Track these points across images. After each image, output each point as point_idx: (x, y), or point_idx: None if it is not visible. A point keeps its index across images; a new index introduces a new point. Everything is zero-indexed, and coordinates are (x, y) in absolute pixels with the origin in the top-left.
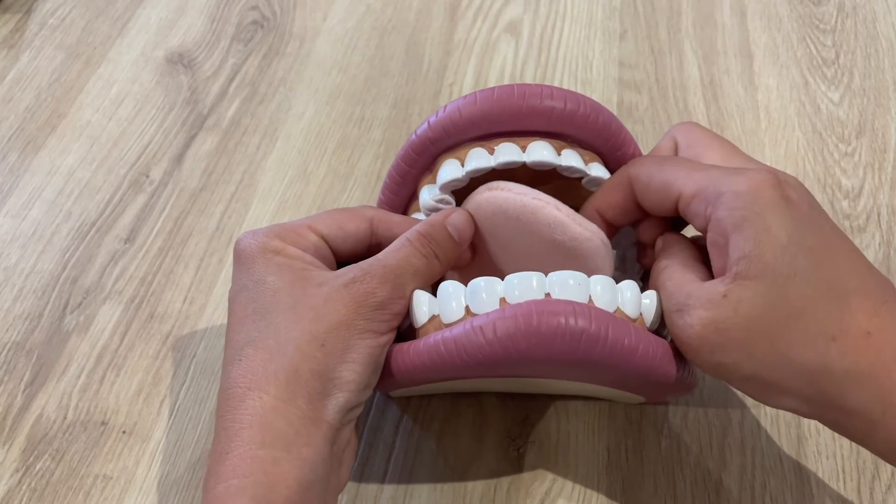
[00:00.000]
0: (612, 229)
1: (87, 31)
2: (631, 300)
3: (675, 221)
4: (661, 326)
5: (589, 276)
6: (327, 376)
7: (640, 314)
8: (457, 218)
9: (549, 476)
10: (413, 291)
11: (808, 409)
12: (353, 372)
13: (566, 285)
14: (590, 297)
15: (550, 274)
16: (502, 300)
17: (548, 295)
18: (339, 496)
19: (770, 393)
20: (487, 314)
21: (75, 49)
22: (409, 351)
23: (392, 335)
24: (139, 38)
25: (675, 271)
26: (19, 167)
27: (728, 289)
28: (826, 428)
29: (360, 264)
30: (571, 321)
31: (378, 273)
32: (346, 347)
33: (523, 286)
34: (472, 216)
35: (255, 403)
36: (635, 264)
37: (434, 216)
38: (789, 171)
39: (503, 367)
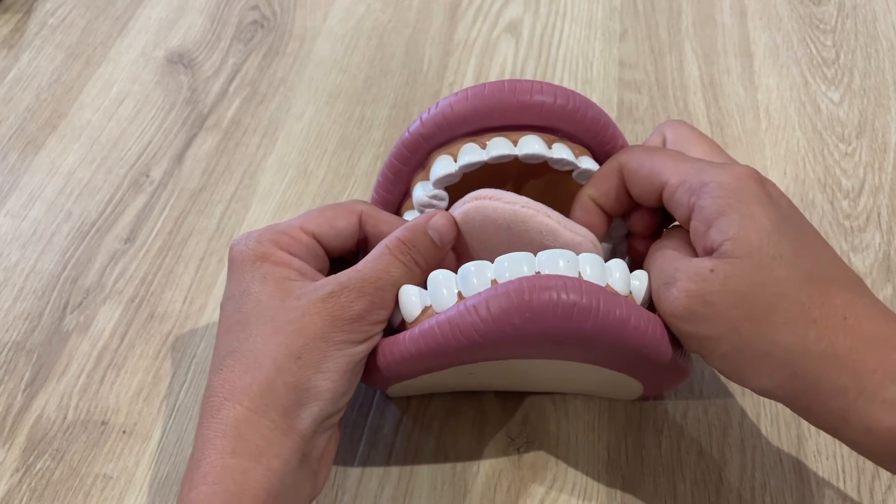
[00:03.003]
0: (607, 219)
1: (88, 31)
2: (620, 279)
3: (665, 212)
4: (651, 307)
5: (578, 255)
6: (302, 387)
7: (630, 293)
8: (438, 221)
9: (549, 475)
10: (399, 290)
11: (781, 392)
12: (329, 381)
13: (556, 265)
14: (579, 274)
15: (540, 254)
16: (493, 282)
17: (538, 274)
18: (338, 496)
19: (747, 372)
20: (480, 293)
21: (75, 49)
22: (405, 339)
23: (372, 343)
24: (139, 38)
25: (668, 251)
26: (19, 167)
27: (715, 264)
28: None
29: (338, 276)
30: (563, 295)
31: (356, 286)
32: (322, 359)
33: (514, 267)
34: (454, 220)
35: (229, 413)
36: (625, 257)
37: (415, 220)
38: (789, 171)
39: (498, 347)
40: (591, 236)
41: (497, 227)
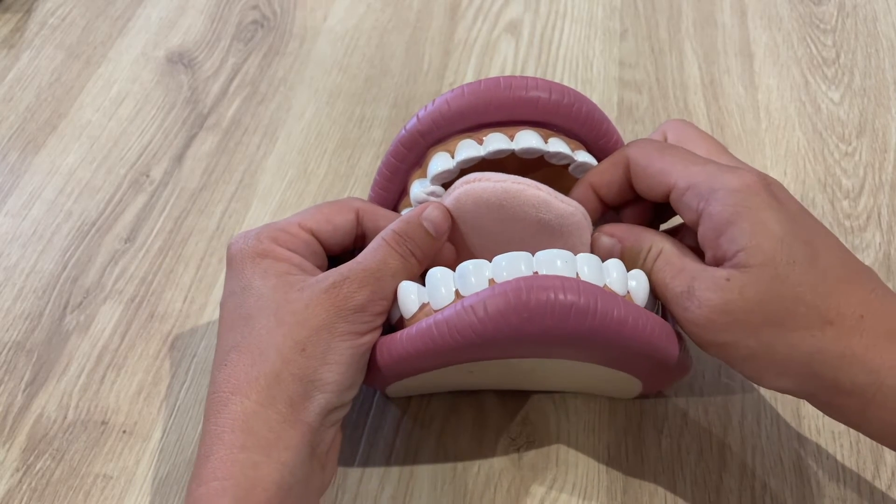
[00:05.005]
0: (602, 207)
1: (88, 30)
2: (618, 279)
3: (659, 210)
4: (647, 306)
5: (575, 255)
6: (308, 379)
7: (628, 293)
8: (431, 212)
9: (550, 475)
10: (398, 286)
11: (802, 390)
12: (334, 373)
13: (553, 265)
14: (577, 275)
15: (538, 254)
16: (491, 281)
17: (535, 274)
18: (338, 496)
19: (768, 373)
20: (477, 293)
21: (75, 49)
22: (402, 338)
23: (374, 335)
24: (139, 38)
25: (672, 255)
26: (19, 167)
27: (730, 274)
28: (826, 428)
29: (339, 268)
30: (561, 295)
31: (357, 277)
32: (326, 350)
33: (511, 266)
34: (447, 210)
35: (237, 408)
36: None
37: (409, 213)
38: (789, 171)
39: (496, 347)
40: (582, 209)
41: (490, 208)
